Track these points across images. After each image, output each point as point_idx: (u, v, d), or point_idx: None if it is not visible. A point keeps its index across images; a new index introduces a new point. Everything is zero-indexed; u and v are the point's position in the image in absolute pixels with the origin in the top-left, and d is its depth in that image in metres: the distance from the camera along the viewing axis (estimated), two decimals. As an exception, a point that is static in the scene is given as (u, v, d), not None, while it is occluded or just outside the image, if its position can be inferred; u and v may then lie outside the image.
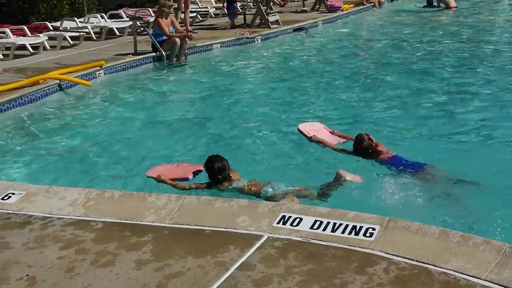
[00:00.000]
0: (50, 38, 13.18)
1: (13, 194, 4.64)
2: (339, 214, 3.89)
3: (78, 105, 9.04)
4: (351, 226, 3.74)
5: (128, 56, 11.58)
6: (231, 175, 5.20)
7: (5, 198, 4.59)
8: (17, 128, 7.76)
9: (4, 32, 12.80)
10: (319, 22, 17.35)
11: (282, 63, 12.19)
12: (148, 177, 5.54)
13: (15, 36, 12.73)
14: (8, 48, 12.13)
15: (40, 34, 12.96)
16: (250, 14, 17.14)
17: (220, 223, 3.95)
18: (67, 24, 14.76)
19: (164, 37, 11.78)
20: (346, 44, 14.42)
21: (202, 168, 5.36)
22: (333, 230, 3.72)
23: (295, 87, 9.79)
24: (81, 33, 13.73)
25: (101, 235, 3.92)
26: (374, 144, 5.79)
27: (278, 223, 3.88)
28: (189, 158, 6.27)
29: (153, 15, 15.90)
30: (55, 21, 15.71)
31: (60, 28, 14.29)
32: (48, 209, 4.37)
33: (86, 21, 15.36)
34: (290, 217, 3.92)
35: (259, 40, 14.49)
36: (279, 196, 4.85)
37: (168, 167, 5.71)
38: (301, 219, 3.88)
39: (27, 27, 13.29)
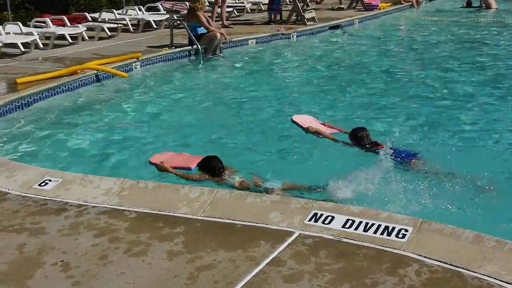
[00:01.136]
0: (89, 28, 13.36)
1: (50, 181, 4.73)
2: (371, 214, 3.86)
3: (114, 96, 9.15)
4: (383, 227, 3.71)
5: (164, 48, 11.66)
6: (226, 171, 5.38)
7: (42, 184, 4.68)
8: (54, 117, 7.88)
9: (44, 22, 13.03)
10: (355, 20, 17.22)
11: (317, 60, 12.13)
12: (151, 163, 5.65)
13: (55, 26, 12.94)
14: (48, 38, 12.33)
15: (79, 25, 13.16)
16: (286, 10, 17.10)
17: (252, 218, 3.96)
18: (106, 15, 14.93)
19: (201, 31, 11.83)
20: (382, 43, 14.30)
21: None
22: (365, 230, 3.70)
23: (327, 86, 9.75)
24: (119, 25, 13.88)
25: (134, 225, 3.97)
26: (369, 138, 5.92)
27: (309, 220, 3.87)
28: (215, 150, 6.37)
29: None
30: (94, 12, 15.91)
31: (99, 19, 14.46)
32: (83, 197, 4.44)
33: (124, 13, 15.52)
34: (322, 214, 3.92)
35: (295, 37, 14.45)
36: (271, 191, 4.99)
37: (171, 155, 5.85)
38: (333, 217, 3.86)
39: (66, 18, 13.48)
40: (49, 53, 11.47)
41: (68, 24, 13.21)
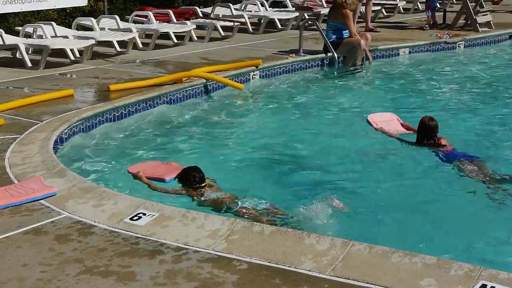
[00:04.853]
0: (198, 27, 13.92)
1: (144, 214, 4.92)
2: None
3: (226, 111, 9.40)
4: None
5: (290, 55, 11.88)
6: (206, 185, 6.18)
7: (134, 218, 4.88)
8: (152, 134, 8.24)
9: (146, 16, 13.71)
10: (547, 27, 16.63)
11: (490, 80, 11.80)
12: (129, 172, 6.57)
13: (158, 22, 13.59)
14: (148, 36, 12.95)
15: (187, 22, 13.71)
16: (452, 11, 16.85)
17: (398, 284, 3.90)
18: (220, 11, 15.51)
19: (346, 35, 11.90)
20: None
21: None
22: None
23: (504, 114, 9.47)
24: (236, 23, 14.32)
25: (245, 279, 4.03)
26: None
27: (475, 293, 3.77)
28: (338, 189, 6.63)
29: (325, 6, 16.20)
30: (206, 7, 16.55)
31: (211, 16, 15.02)
32: (183, 238, 4.58)
33: (242, 8, 16.02)
34: (493, 287, 3.79)
35: (462, 47, 14.20)
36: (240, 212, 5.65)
37: (154, 165, 6.82)
38: (508, 293, 3.74)
39: (172, 12, 14.11)
40: (148, 55, 12.05)
41: (174, 20, 13.83)
